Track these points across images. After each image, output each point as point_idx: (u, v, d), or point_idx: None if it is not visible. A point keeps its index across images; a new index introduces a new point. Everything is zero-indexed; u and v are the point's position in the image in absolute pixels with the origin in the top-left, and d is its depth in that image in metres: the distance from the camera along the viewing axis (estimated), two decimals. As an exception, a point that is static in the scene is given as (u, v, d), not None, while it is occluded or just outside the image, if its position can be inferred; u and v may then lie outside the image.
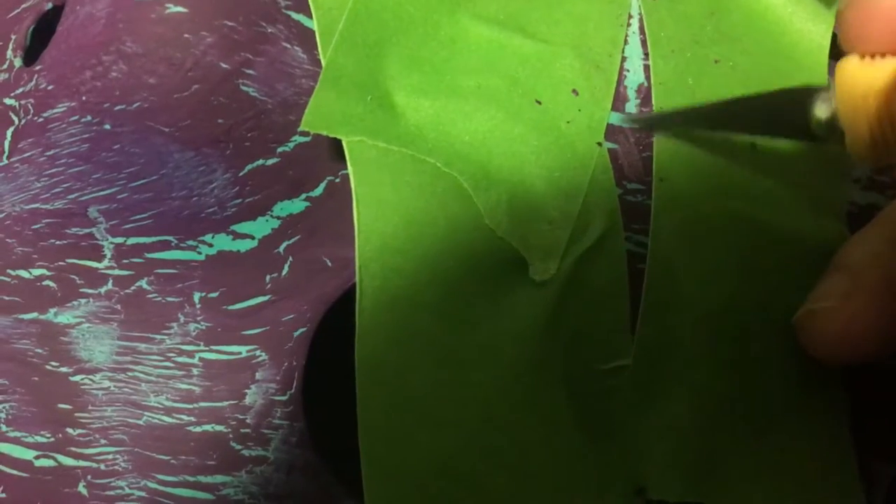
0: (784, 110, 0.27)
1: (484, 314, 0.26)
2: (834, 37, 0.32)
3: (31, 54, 0.28)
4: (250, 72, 0.26)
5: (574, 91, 0.28)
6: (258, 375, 0.27)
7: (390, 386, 0.25)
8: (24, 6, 0.30)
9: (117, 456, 0.27)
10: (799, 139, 0.28)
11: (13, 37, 0.29)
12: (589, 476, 0.26)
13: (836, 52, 0.31)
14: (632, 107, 0.29)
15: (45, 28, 0.29)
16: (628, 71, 0.29)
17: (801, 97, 0.26)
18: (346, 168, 0.26)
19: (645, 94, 0.29)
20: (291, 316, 0.27)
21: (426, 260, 0.25)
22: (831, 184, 0.30)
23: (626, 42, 0.30)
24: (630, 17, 0.30)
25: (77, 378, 0.27)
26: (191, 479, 0.26)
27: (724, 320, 0.27)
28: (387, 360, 0.25)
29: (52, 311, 0.27)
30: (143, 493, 0.26)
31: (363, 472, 0.25)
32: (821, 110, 0.26)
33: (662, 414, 0.27)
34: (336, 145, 0.26)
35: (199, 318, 0.27)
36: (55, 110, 0.26)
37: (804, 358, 0.27)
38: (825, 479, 0.27)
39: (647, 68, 0.30)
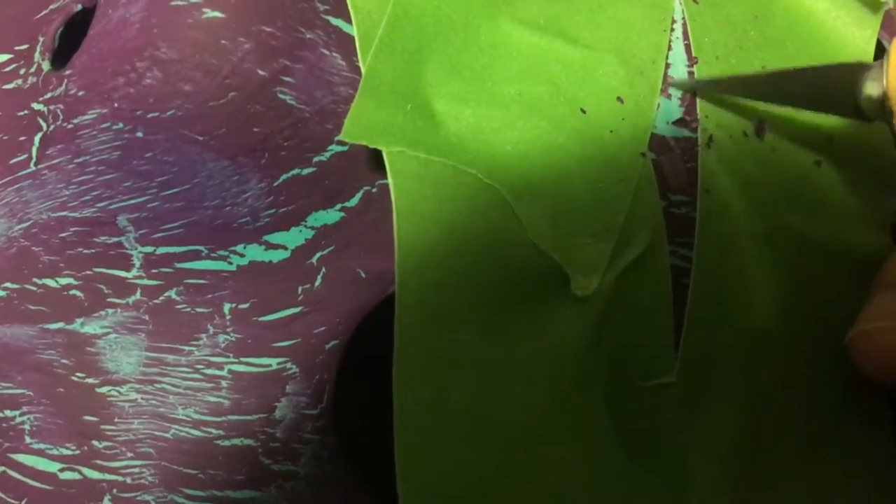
0: (832, 85, 0.27)
1: (525, 330, 0.25)
2: (878, 42, 0.31)
3: (60, 57, 0.28)
4: (288, 79, 0.25)
5: (619, 99, 0.27)
6: (289, 388, 0.26)
7: (429, 403, 0.24)
8: (52, 7, 0.29)
9: (144, 469, 0.26)
10: (845, 116, 0.27)
11: (41, 39, 0.28)
12: (630, 497, 0.26)
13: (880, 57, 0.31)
14: (676, 115, 0.28)
15: (73, 30, 0.28)
16: (672, 78, 0.29)
17: (851, 73, 0.26)
18: (382, 178, 0.25)
19: (689, 102, 0.28)
20: (323, 328, 0.26)
21: (467, 275, 0.25)
22: (877, 194, 0.29)
23: (669, 48, 0.29)
24: (673, 21, 0.29)
25: (103, 389, 0.26)
26: (219, 493, 0.26)
27: (769, 336, 0.27)
28: (426, 377, 0.24)
29: (79, 321, 0.27)
30: (170, 508, 0.26)
31: (399, 490, 0.24)
32: (871, 88, 0.25)
33: (706, 433, 0.26)
34: (373, 155, 0.26)
35: (228, 330, 0.26)
36: (86, 117, 0.26)
37: (851, 376, 0.27)
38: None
39: (691, 75, 0.29)
